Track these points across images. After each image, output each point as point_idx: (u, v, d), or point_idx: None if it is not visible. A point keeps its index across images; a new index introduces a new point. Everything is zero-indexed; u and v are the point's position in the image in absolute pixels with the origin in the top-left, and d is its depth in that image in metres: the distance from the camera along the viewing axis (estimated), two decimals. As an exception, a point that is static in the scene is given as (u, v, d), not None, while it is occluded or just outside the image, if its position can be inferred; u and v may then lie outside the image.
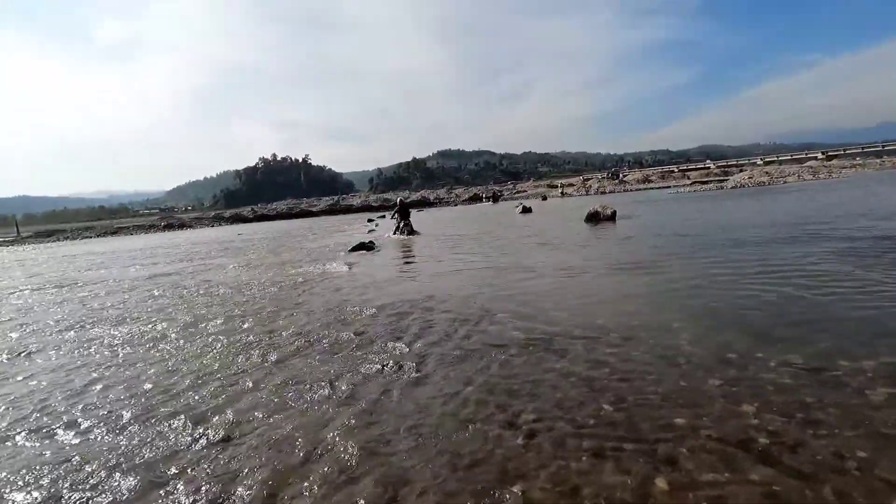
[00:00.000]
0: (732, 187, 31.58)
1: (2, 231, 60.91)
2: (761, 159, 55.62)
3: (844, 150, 54.17)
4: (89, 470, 2.36)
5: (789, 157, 55.42)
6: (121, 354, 4.31)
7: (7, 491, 2.25)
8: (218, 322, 5.18)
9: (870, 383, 2.55)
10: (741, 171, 44.29)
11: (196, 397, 3.15)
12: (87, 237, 40.20)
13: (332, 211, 52.77)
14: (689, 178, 48.65)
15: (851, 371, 2.71)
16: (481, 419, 2.53)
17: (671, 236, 9.09)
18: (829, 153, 52.91)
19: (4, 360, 4.48)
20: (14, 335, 5.51)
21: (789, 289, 4.55)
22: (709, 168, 57.65)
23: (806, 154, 56.15)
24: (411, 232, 14.96)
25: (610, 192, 43.75)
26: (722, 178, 42.02)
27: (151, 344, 4.56)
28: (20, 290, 9.59)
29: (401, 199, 17.99)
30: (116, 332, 5.14)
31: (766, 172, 36.73)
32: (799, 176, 34.40)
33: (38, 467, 2.42)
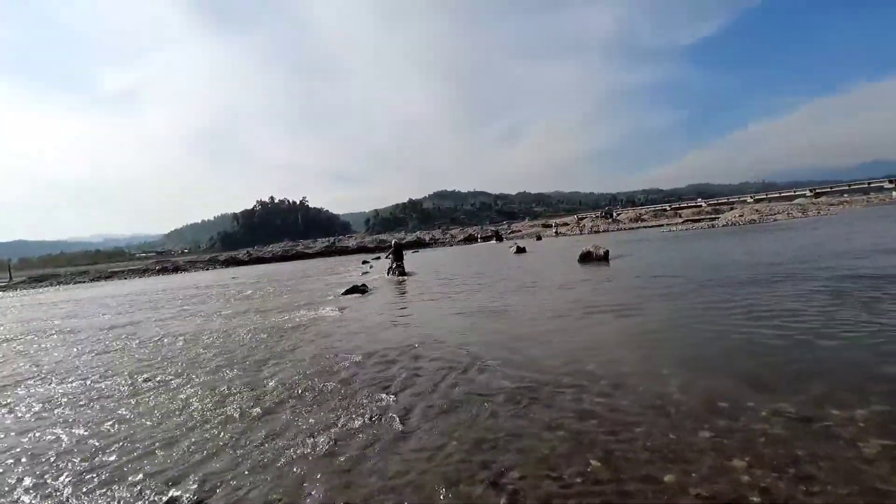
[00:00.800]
0: (724, 225, 31.98)
1: (-5, 276, 60.43)
2: (751, 197, 56.70)
3: (831, 188, 55.37)
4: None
5: (778, 195, 56.56)
6: (94, 408, 4.18)
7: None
8: (201, 373, 5.06)
9: (862, 434, 2.49)
10: (732, 209, 45.05)
11: (172, 456, 3.03)
12: (80, 282, 39.89)
13: (327, 252, 52.84)
14: (680, 217, 49.28)
15: (843, 421, 2.65)
16: (465, 478, 2.44)
17: (663, 277, 9.10)
18: (818, 190, 54.05)
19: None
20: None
21: (780, 331, 4.51)
22: (700, 206, 58.55)
23: (794, 192, 57.32)
24: (402, 273, 15.42)
25: (604, 231, 44.20)
26: (713, 216, 42.65)
27: (129, 397, 4.43)
28: None
29: (395, 242, 18.94)
30: (92, 385, 5.00)
31: (756, 210, 37.35)
32: (788, 213, 34.94)
33: None
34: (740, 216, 35.08)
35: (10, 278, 48.03)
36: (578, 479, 2.32)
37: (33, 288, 37.42)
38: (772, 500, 2.03)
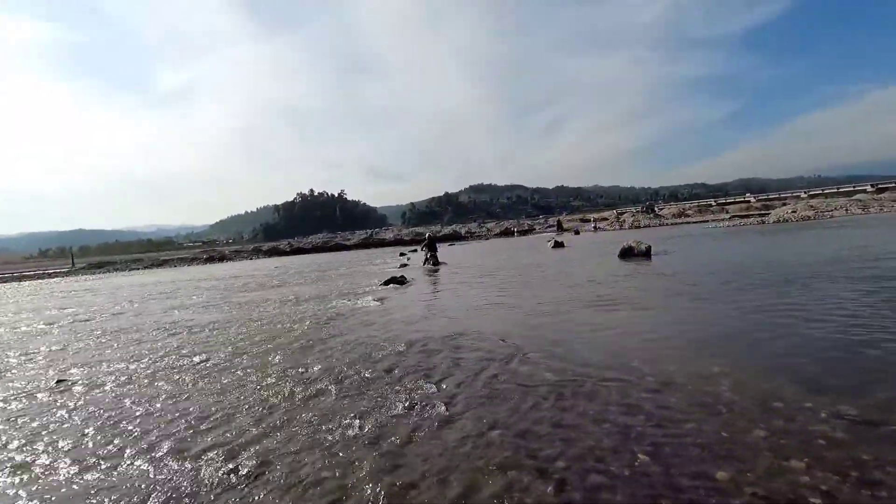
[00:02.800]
0: (775, 222, 30.46)
1: (60, 262, 64.82)
2: (805, 192, 53.54)
3: (896, 183, 51.63)
4: (123, 501, 2.41)
5: (835, 190, 53.16)
6: (162, 387, 4.44)
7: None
8: (250, 356, 5.29)
9: (935, 440, 2.35)
10: (784, 204, 42.79)
11: (229, 432, 3.19)
12: (135, 269, 42.19)
13: (365, 245, 53.71)
14: (727, 213, 47.22)
15: (913, 426, 2.51)
16: (511, 465, 2.46)
17: (709, 274, 8.79)
18: (880, 185, 50.52)
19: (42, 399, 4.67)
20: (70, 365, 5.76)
21: (838, 333, 4.30)
22: (749, 202, 55.88)
23: (854, 187, 53.78)
24: (436, 262, 16.58)
25: (644, 227, 42.92)
26: (763, 212, 40.62)
27: (188, 376, 4.68)
28: (92, 318, 10.08)
29: (429, 234, 20.45)
30: (154, 365, 5.31)
31: (811, 206, 35.33)
32: (847, 210, 32.89)
33: (71, 497, 2.49)
34: (793, 212, 33.27)
35: (73, 265, 51.35)
36: (626, 472, 2.31)
37: (93, 274, 39.85)
38: (834, 503, 1.95)
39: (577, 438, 2.69)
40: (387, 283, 11.59)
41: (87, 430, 3.44)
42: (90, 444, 3.19)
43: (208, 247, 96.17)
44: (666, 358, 4.03)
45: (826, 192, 53.26)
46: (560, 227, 53.54)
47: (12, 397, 4.47)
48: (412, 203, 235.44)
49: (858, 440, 2.41)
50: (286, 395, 3.85)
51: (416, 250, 29.63)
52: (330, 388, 3.96)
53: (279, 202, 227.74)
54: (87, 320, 9.74)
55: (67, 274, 41.56)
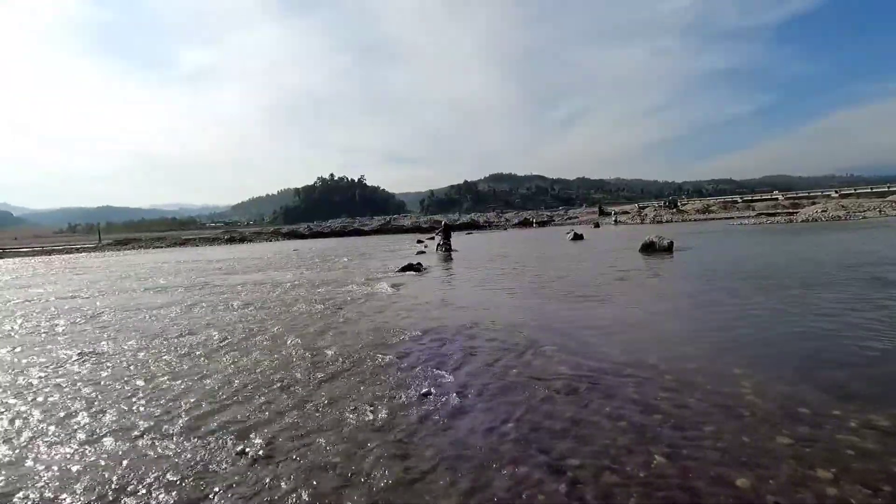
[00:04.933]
0: (803, 221, 29.53)
1: (87, 238, 66.77)
2: (836, 191, 51.70)
3: (934, 184, 49.50)
4: (134, 476, 2.44)
5: (869, 190, 51.21)
6: (179, 364, 4.51)
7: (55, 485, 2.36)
8: (266, 338, 5.34)
9: (973, 457, 2.22)
10: (813, 203, 41.41)
11: (243, 412, 3.22)
12: (158, 246, 43.14)
13: (382, 230, 53.87)
14: (753, 210, 45.92)
15: (950, 440, 2.38)
16: (522, 460, 2.42)
17: (734, 273, 8.55)
18: (917, 187, 48.51)
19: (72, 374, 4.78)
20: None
21: (868, 339, 4.12)
22: (776, 199, 54.26)
23: (888, 187, 51.74)
24: (449, 249, 17.28)
25: (667, 222, 42.08)
26: (791, 210, 39.42)
27: (205, 355, 4.74)
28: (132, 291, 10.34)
29: (445, 222, 21.25)
30: (175, 342, 5.40)
31: (842, 206, 34.11)
32: (881, 211, 31.67)
33: (85, 467, 2.54)
34: (823, 212, 32.17)
35: (100, 240, 52.76)
36: (641, 473, 2.24)
37: (118, 250, 40.89)
38: (862, 517, 1.86)
39: (591, 436, 2.63)
40: (403, 269, 11.59)
41: (101, 405, 3.51)
42: (102, 418, 3.25)
43: (229, 228, 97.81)
44: (685, 356, 3.92)
45: (859, 191, 51.35)
46: (601, 212, 56.35)
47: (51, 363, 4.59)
48: (431, 190, 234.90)
49: (890, 452, 2.30)
50: (300, 377, 3.87)
51: (433, 237, 29.66)
52: (344, 372, 3.96)
53: (299, 185, 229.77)
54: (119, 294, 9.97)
55: (94, 249, 42.71)
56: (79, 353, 4.99)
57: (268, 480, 2.35)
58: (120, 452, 2.72)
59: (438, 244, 17.99)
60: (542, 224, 53.06)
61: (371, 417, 3.00)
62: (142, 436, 2.92)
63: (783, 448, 2.39)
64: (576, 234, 22.31)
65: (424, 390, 3.41)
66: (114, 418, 3.22)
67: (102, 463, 2.61)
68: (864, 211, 31.65)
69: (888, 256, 9.45)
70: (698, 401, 3.01)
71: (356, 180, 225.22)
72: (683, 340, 4.55)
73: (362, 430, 2.83)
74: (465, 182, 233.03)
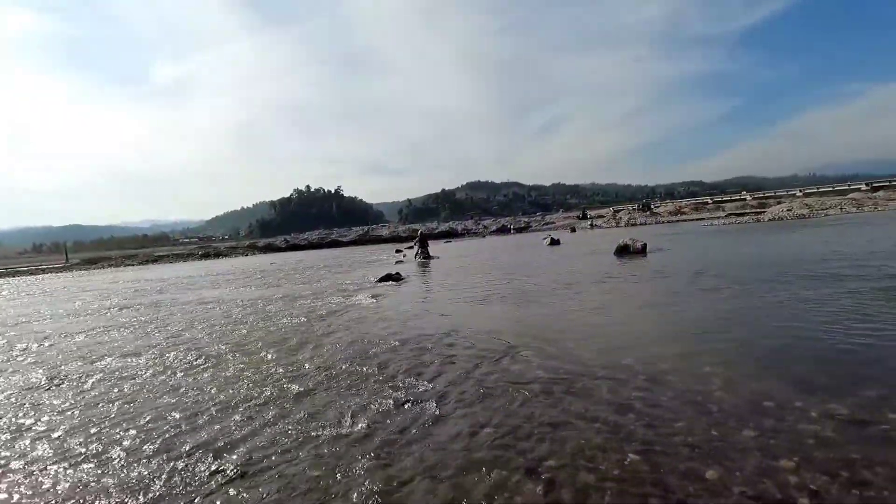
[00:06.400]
0: (770, 220, 30.59)
1: (54, 257, 64.38)
2: (801, 191, 53.71)
3: (890, 182, 51.87)
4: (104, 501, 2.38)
5: (830, 189, 53.35)
6: (152, 383, 4.41)
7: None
8: (243, 353, 5.26)
9: (923, 440, 2.35)
10: (779, 203, 42.90)
11: (216, 430, 3.17)
12: (129, 264, 42.00)
13: (361, 241, 53.60)
14: (723, 210, 47.34)
15: (902, 425, 2.51)
16: (500, 464, 2.45)
17: (705, 272, 8.80)
18: (875, 184, 50.75)
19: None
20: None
21: (830, 333, 4.30)
22: (745, 200, 56.05)
23: (849, 185, 54.03)
24: (426, 256, 18.48)
25: (641, 224, 43.01)
26: (759, 210, 40.78)
27: (179, 372, 4.65)
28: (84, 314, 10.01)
29: (421, 232, 22.78)
30: (141, 360, 5.28)
31: (806, 204, 35.49)
32: (841, 208, 33.05)
33: (52, 492, 2.47)
34: (788, 210, 33.40)
35: (67, 260, 51.03)
36: (616, 471, 2.30)
37: (87, 270, 39.62)
38: (822, 503, 1.95)
39: (567, 438, 2.68)
40: (382, 279, 11.56)
41: (71, 425, 3.41)
42: (70, 441, 3.16)
43: (204, 243, 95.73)
44: (658, 357, 4.02)
45: (821, 190, 53.47)
46: (584, 216, 57.81)
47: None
48: (409, 200, 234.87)
49: (848, 440, 2.41)
50: (278, 391, 3.83)
51: (411, 247, 29.65)
52: (322, 385, 3.94)
53: (275, 198, 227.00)
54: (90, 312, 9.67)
55: (62, 269, 41.29)
56: (49, 378, 4.83)
57: (244, 498, 2.33)
58: (86, 477, 2.65)
59: (416, 253, 18.96)
60: (519, 230, 53.61)
61: (350, 430, 2.99)
62: (107, 458, 2.85)
63: (749, 440, 2.48)
64: (552, 239, 22.61)
65: (403, 400, 3.42)
66: (82, 439, 3.13)
67: (66, 486, 2.54)
68: (827, 209, 32.99)
69: (847, 254, 9.87)
70: (670, 398, 3.10)
71: (333, 191, 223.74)
72: (656, 341, 4.66)
73: (341, 443, 2.82)
74: (443, 191, 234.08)
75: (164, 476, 2.59)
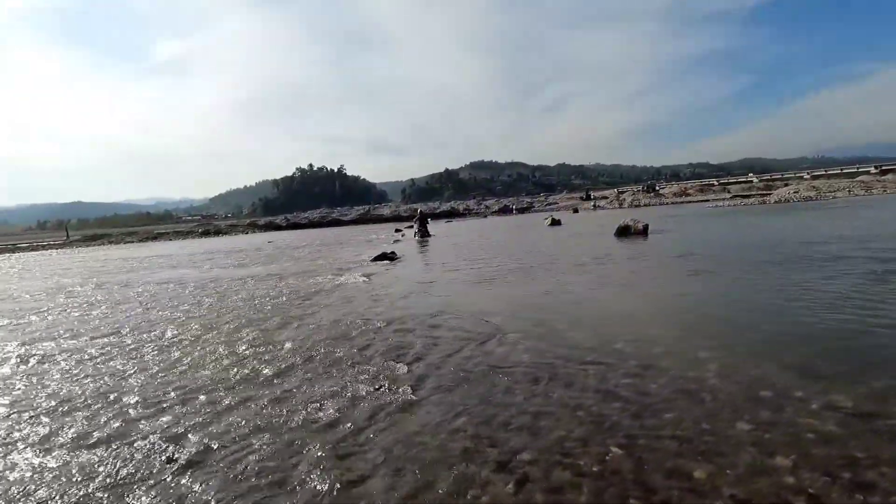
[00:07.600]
0: (776, 202, 30.06)
1: (56, 234, 64.52)
2: (808, 173, 52.87)
3: (901, 164, 50.89)
4: (48, 488, 2.21)
5: (839, 171, 52.42)
6: (113, 366, 4.24)
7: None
8: (221, 332, 5.08)
9: (935, 437, 2.14)
10: (786, 185, 42.24)
11: (180, 414, 2.99)
12: (129, 241, 41.88)
13: (362, 220, 53.19)
14: (729, 192, 46.62)
15: (912, 420, 2.29)
16: (471, 457, 2.25)
17: (705, 254, 8.54)
18: (884, 167, 49.83)
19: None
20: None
21: (835, 318, 4.06)
22: (751, 181, 55.20)
23: (857, 168, 53.06)
24: (425, 235, 18.73)
25: (645, 206, 42.46)
26: (765, 192, 40.17)
27: (154, 349, 4.47)
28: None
29: (421, 210, 23.59)
30: (125, 339, 5.11)
31: (814, 187, 34.84)
32: (850, 191, 32.42)
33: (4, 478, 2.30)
34: (795, 192, 32.80)
35: (68, 237, 51.04)
36: (595, 468, 2.10)
37: (87, 246, 39.59)
38: (822, 508, 1.75)
39: (546, 428, 2.48)
40: (377, 258, 11.35)
41: (35, 405, 3.24)
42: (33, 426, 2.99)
43: (205, 221, 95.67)
44: (651, 340, 3.81)
45: (829, 172, 52.58)
46: (587, 197, 56.16)
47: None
48: (412, 179, 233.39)
49: (851, 435, 2.20)
50: (249, 374, 3.65)
51: (411, 226, 29.39)
52: (296, 367, 3.75)
53: (278, 176, 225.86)
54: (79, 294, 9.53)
55: (61, 246, 41.30)
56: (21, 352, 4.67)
57: (194, 488, 2.15)
58: (37, 463, 2.48)
59: (415, 232, 19.13)
60: (521, 211, 53.11)
61: (316, 416, 2.80)
62: (65, 442, 2.68)
63: (743, 434, 2.27)
64: (553, 219, 22.28)
65: (378, 385, 3.22)
66: (36, 426, 2.96)
67: (14, 475, 2.37)
68: (835, 192, 32.38)
69: (852, 237, 9.57)
70: (661, 386, 2.89)
71: (336, 170, 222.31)
72: (651, 324, 4.45)
73: (304, 431, 2.64)
74: (447, 170, 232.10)
75: (112, 464, 2.42)
